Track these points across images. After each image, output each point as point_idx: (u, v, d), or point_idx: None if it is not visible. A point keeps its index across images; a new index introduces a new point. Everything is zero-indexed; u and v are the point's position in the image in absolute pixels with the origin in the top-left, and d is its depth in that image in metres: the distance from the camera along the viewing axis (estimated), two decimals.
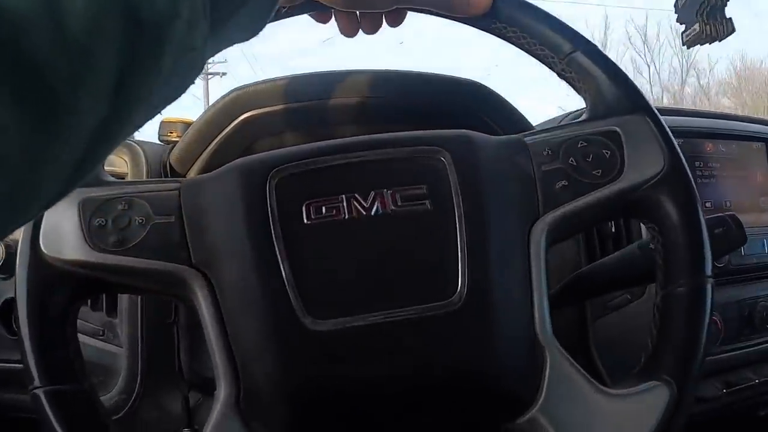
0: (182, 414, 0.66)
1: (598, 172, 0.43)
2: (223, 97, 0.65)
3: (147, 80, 0.24)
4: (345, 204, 0.40)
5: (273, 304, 0.38)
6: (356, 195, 0.40)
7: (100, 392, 0.65)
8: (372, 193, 0.40)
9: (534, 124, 0.71)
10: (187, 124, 0.70)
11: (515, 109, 0.70)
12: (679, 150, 0.45)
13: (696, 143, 0.75)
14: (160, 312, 0.65)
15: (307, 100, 0.66)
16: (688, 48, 0.66)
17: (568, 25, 0.48)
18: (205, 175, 0.44)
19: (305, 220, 0.40)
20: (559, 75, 0.49)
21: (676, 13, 0.67)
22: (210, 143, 0.64)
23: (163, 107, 0.27)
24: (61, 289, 0.41)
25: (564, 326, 0.42)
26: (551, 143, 0.44)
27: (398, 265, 0.40)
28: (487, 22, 0.49)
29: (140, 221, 0.41)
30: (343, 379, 0.39)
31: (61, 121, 0.21)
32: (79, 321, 0.65)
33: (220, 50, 0.30)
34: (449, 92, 0.68)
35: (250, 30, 0.32)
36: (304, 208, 0.40)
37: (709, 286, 0.43)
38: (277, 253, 0.39)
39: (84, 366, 0.42)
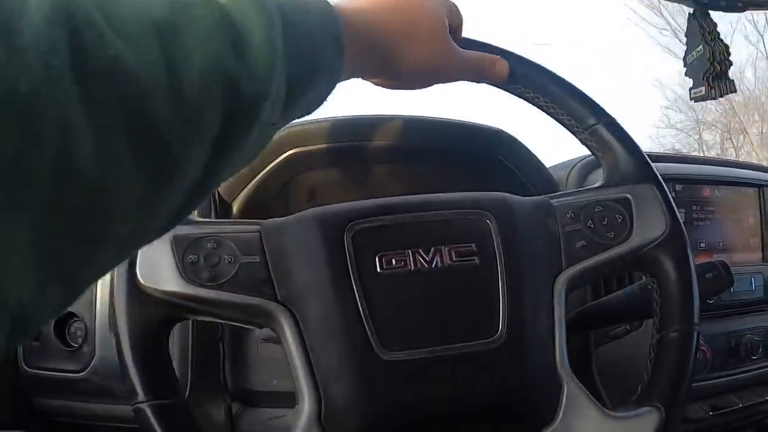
0: (225, 422, 0.73)
1: (611, 234, 0.51)
2: None
3: (238, 144, 0.29)
4: (411, 258, 0.48)
5: (352, 337, 0.46)
6: (420, 250, 0.48)
7: None
8: (432, 249, 0.48)
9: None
10: None
11: (531, 152, 0.78)
12: (678, 216, 0.53)
13: (694, 188, 0.83)
14: (208, 329, 0.73)
15: (346, 141, 0.73)
16: (695, 102, 0.73)
17: (593, 99, 0.56)
18: (282, 219, 0.51)
19: (378, 269, 0.47)
20: (581, 141, 0.57)
21: (684, 66, 0.74)
22: (257, 175, 0.71)
23: (240, 168, 0.33)
24: (158, 315, 0.47)
25: (571, 353, 0.51)
26: (573, 206, 0.52)
27: (453, 309, 0.48)
28: (521, 90, 0.57)
29: (229, 260, 0.47)
30: (408, 399, 0.47)
31: (172, 173, 0.25)
32: None
33: (287, 124, 0.38)
34: (473, 137, 0.75)
35: (311, 108, 0.40)
36: (376, 259, 0.48)
37: (695, 333, 0.51)
38: (356, 295, 0.47)
39: (178, 381, 0.49)
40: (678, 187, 0.80)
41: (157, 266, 0.46)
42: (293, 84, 0.34)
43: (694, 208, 0.83)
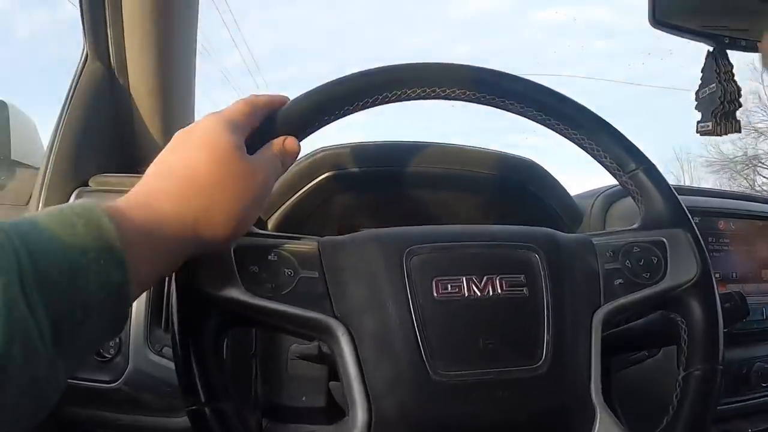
0: None
1: (647, 275, 0.55)
2: (310, 154, 0.73)
3: None
4: (465, 284, 0.50)
5: (406, 355, 0.48)
6: (474, 278, 0.50)
7: (182, 413, 0.74)
8: (485, 278, 0.50)
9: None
10: None
11: (558, 182, 0.80)
12: (709, 262, 0.56)
13: (711, 221, 0.86)
14: (242, 344, 0.74)
15: (382, 166, 0.75)
16: (701, 136, 0.76)
17: (634, 145, 0.59)
18: (340, 237, 0.52)
19: (434, 294, 0.50)
20: (621, 184, 0.60)
21: (696, 101, 0.77)
22: (293, 195, 0.73)
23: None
24: (216, 320, 0.48)
25: None
26: (613, 246, 0.55)
27: (500, 336, 0.50)
28: (568, 131, 0.60)
29: (289, 273, 0.49)
30: (454, 417, 0.49)
31: None
32: (165, 347, 0.74)
33: (86, 359, 0.37)
34: (504, 167, 0.78)
35: (110, 331, 0.39)
36: (433, 284, 0.50)
37: (719, 372, 0.54)
38: (413, 317, 0.49)
39: (232, 386, 0.49)
40: (696, 219, 0.83)
41: (218, 273, 0.48)
42: (59, 321, 0.33)
43: (710, 239, 0.86)
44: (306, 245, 0.51)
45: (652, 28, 0.78)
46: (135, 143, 0.93)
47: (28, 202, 0.80)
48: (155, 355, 0.72)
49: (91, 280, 0.35)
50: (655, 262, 0.55)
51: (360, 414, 0.47)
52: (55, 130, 0.81)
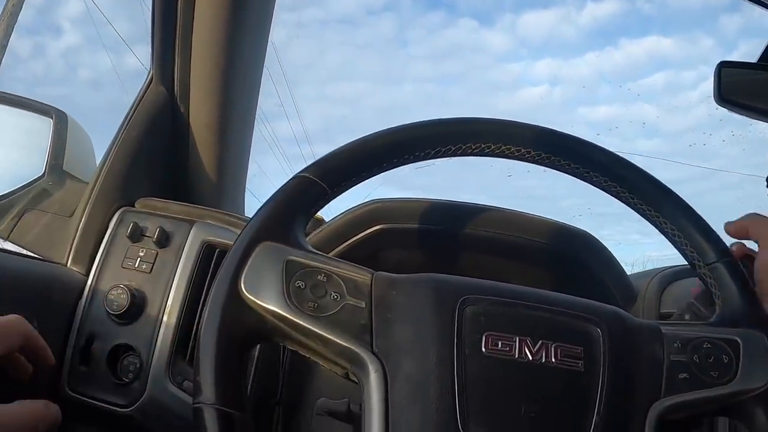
0: None
1: (715, 374, 0.49)
2: (362, 205, 0.72)
3: None
4: (517, 345, 0.46)
5: (438, 406, 0.44)
6: (528, 341, 0.47)
7: None
8: (540, 342, 0.47)
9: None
10: (316, 219, 0.77)
11: (615, 258, 0.77)
12: None
13: None
14: (267, 390, 0.70)
15: (435, 225, 0.73)
16: None
17: (718, 236, 0.56)
18: (396, 275, 0.50)
19: (483, 349, 0.46)
20: (699, 275, 0.57)
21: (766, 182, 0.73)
22: (343, 242, 0.71)
23: None
24: (250, 326, 0.46)
25: None
26: (682, 338, 0.51)
27: (545, 406, 0.46)
28: (651, 214, 0.57)
29: (335, 297, 0.46)
30: None
31: None
32: (186, 381, 0.71)
33: None
34: (560, 238, 0.75)
35: None
36: (483, 338, 0.46)
37: None
38: (455, 366, 0.45)
39: (248, 400, 0.46)
40: None
41: (264, 282, 0.46)
42: None
43: None
44: (359, 274, 0.49)
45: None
46: (186, 171, 0.93)
47: (72, 214, 0.80)
48: (174, 387, 0.70)
49: None
50: (726, 361, 0.50)
51: None
52: (110, 148, 0.82)
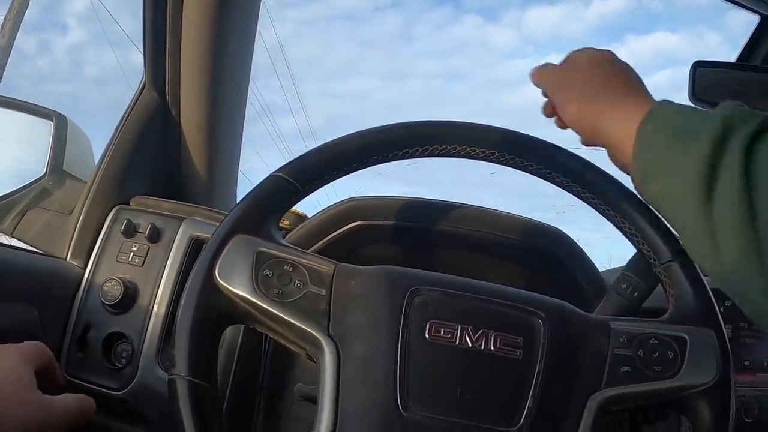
0: None
1: (659, 368, 0.51)
2: (341, 202, 0.75)
3: None
4: (459, 332, 0.50)
5: (382, 386, 0.48)
6: (469, 329, 0.50)
7: None
8: (481, 330, 0.50)
9: None
10: (298, 216, 0.81)
11: (587, 256, 0.78)
12: (731, 369, 0.53)
13: None
14: (249, 377, 0.74)
15: (411, 222, 0.76)
16: None
17: (673, 236, 0.57)
18: (356, 266, 0.54)
19: (426, 335, 0.50)
20: (655, 274, 0.58)
21: None
22: (323, 239, 0.74)
23: None
24: (222, 309, 0.51)
25: None
26: (629, 333, 0.53)
27: (482, 390, 0.49)
28: (611, 213, 0.60)
29: (299, 285, 0.51)
30: None
31: None
32: None
33: None
34: (534, 234, 0.77)
35: None
36: (427, 325, 0.50)
37: None
38: (398, 351, 0.49)
39: (217, 377, 0.51)
40: (727, 303, 0.80)
41: (235, 270, 0.51)
42: None
43: (741, 325, 0.82)
44: (323, 265, 0.53)
45: None
46: (179, 172, 0.97)
47: (72, 211, 0.85)
48: (163, 372, 0.74)
49: None
50: (670, 357, 0.52)
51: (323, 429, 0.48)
52: (106, 150, 0.87)
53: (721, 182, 0.43)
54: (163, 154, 0.94)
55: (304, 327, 0.50)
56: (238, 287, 0.50)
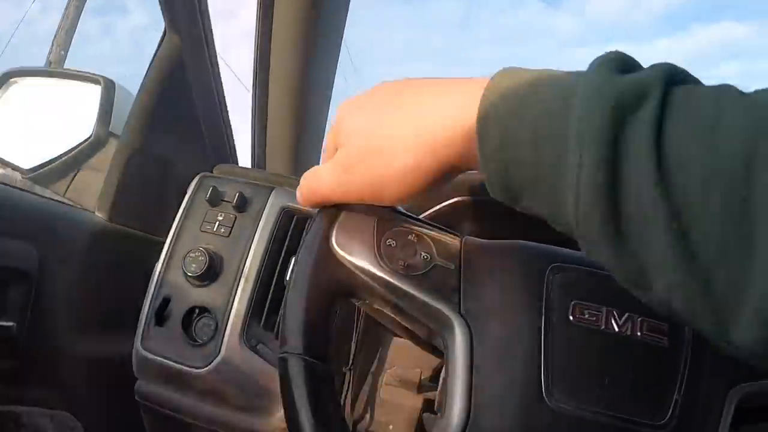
0: None
1: None
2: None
3: None
4: (604, 316, 0.45)
5: (524, 370, 0.44)
6: (615, 312, 0.45)
7: (264, 416, 0.70)
8: (626, 314, 0.45)
9: None
10: None
11: None
12: None
13: None
14: (339, 357, 0.70)
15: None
16: None
17: None
18: (485, 240, 0.50)
19: (569, 317, 0.45)
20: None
21: None
22: (429, 209, 0.70)
23: None
24: (340, 282, 0.46)
25: None
26: None
27: (629, 381, 0.44)
28: None
29: (425, 257, 0.46)
30: None
31: None
32: (260, 344, 0.71)
33: None
34: None
35: None
36: (571, 306, 0.45)
37: None
38: (542, 331, 0.44)
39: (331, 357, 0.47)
40: None
41: (355, 239, 0.46)
42: None
43: None
44: (448, 237, 0.49)
45: None
46: (264, 138, 0.94)
47: None
48: (248, 350, 0.70)
49: None
50: None
51: (455, 420, 0.43)
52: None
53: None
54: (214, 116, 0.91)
55: (432, 303, 0.45)
56: (359, 257, 0.46)
